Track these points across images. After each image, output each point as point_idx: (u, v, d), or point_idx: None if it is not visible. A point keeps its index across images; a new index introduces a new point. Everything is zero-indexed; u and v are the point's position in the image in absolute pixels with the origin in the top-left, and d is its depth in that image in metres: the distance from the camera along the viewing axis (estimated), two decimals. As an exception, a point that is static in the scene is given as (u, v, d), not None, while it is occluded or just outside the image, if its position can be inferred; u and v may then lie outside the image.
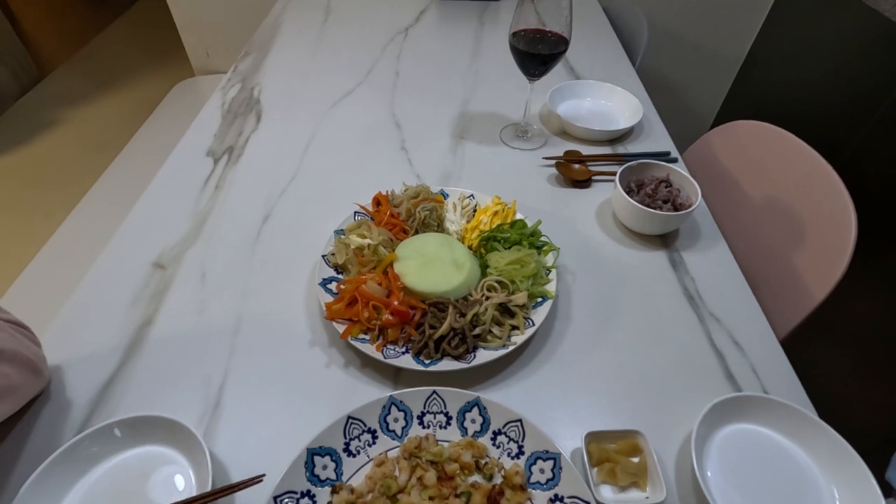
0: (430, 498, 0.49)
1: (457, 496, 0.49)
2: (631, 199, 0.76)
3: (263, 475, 0.49)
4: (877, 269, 1.18)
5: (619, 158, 0.93)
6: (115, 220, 0.81)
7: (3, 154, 2.30)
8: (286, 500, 0.48)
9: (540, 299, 0.66)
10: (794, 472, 0.53)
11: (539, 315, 0.64)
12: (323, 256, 0.70)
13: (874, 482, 0.49)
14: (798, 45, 1.56)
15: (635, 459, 0.53)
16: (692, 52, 1.77)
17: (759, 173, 0.96)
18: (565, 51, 0.84)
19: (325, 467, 0.51)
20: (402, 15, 1.41)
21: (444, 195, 0.79)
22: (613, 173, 0.81)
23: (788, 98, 1.57)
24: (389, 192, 0.79)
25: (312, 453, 0.51)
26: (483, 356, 0.60)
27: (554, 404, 0.59)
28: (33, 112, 2.59)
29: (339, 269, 0.70)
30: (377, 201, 0.77)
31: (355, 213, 0.76)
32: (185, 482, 0.51)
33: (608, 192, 0.87)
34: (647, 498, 0.51)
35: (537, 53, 0.84)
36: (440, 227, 0.75)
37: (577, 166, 0.90)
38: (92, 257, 0.75)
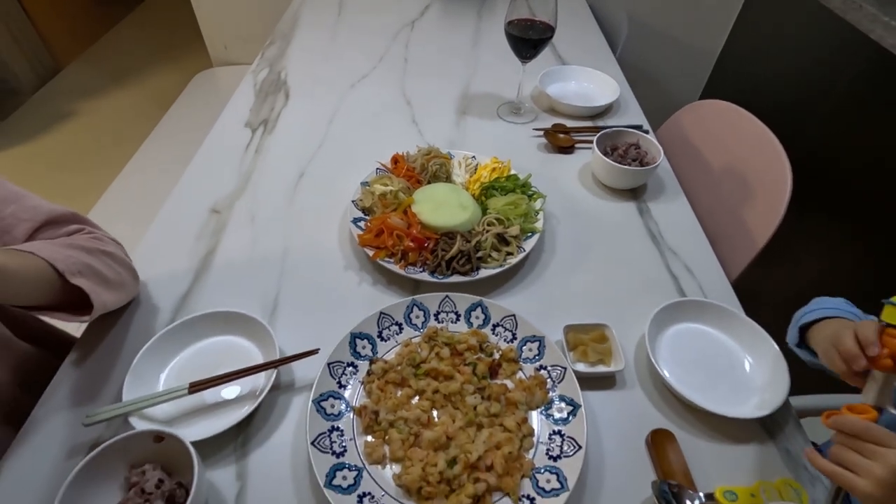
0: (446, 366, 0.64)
1: (466, 365, 0.65)
2: (606, 158, 0.92)
3: (319, 349, 0.64)
4: (821, 235, 1.35)
5: (599, 130, 1.08)
6: (146, 203, 0.94)
7: (25, 143, 2.44)
8: (336, 366, 0.63)
9: (530, 233, 0.82)
10: (720, 349, 0.69)
11: (529, 244, 0.79)
12: (352, 201, 0.85)
13: (777, 348, 0.65)
14: (767, 41, 1.73)
15: (603, 346, 0.69)
16: (670, 46, 1.93)
17: (718, 143, 1.12)
18: (551, 37, 0.99)
19: (363, 347, 0.67)
20: (408, 9, 1.56)
21: (451, 156, 0.95)
22: (593, 142, 0.97)
23: (760, 91, 1.74)
24: (405, 153, 0.94)
25: (354, 336, 0.66)
26: (484, 273, 0.75)
27: (541, 309, 0.75)
28: (52, 104, 2.72)
29: (365, 211, 0.85)
30: (395, 160, 0.93)
31: (377, 169, 0.91)
32: (257, 361, 0.66)
33: (588, 158, 1.03)
34: (609, 370, 0.66)
35: (528, 38, 1.00)
36: (448, 180, 0.90)
37: (562, 136, 1.06)
38: (132, 236, 0.87)
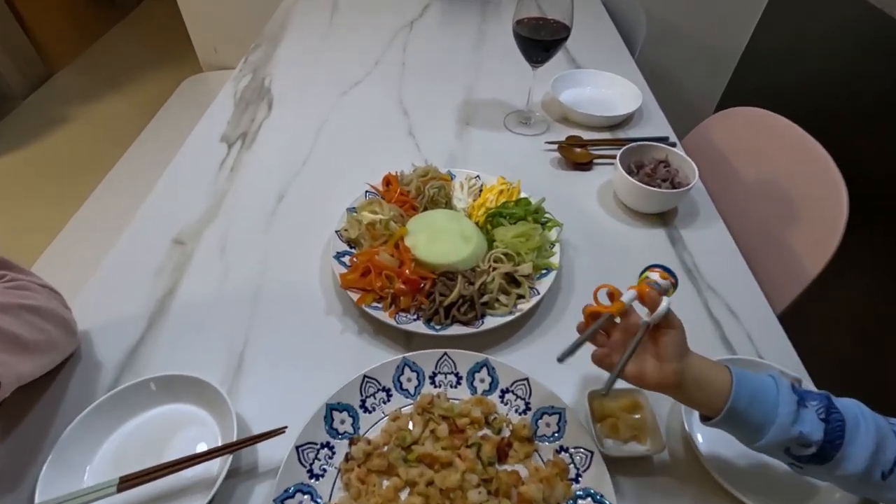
0: (443, 448, 0.52)
1: (468, 447, 0.52)
2: (631, 179, 0.79)
3: (286, 427, 0.52)
4: (868, 250, 1.21)
5: (620, 143, 0.96)
6: (129, 208, 0.84)
7: (15, 149, 2.34)
8: (307, 449, 0.51)
9: (544, 271, 0.69)
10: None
11: (544, 285, 0.67)
12: (336, 232, 0.73)
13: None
14: (795, 39, 1.59)
15: (636, 416, 0.56)
16: (691, 45, 1.80)
17: (755, 157, 0.99)
18: (567, 37, 0.87)
19: (342, 422, 0.54)
20: (407, 9, 1.44)
21: (452, 175, 0.82)
22: (614, 157, 0.84)
23: (786, 91, 1.60)
24: (399, 173, 0.82)
25: (331, 408, 0.54)
26: (491, 322, 0.63)
27: (560, 367, 0.62)
28: (43, 109, 2.63)
29: (351, 243, 0.73)
30: (387, 181, 0.80)
31: (366, 192, 0.79)
32: (211, 437, 0.54)
33: (609, 175, 0.90)
34: (647, 450, 0.54)
35: (540, 40, 0.87)
36: (448, 205, 0.78)
37: (578, 150, 0.94)
38: (105, 244, 0.77)
